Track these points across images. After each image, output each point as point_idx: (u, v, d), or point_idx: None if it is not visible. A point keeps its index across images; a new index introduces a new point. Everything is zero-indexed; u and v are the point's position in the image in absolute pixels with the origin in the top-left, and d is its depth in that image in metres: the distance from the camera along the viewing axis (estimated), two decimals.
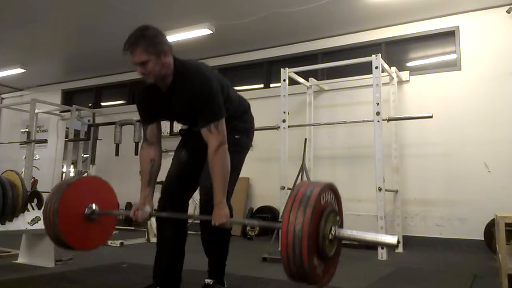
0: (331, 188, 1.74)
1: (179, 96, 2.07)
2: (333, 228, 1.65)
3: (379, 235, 1.72)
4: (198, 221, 2.19)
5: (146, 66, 1.95)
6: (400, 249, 4.39)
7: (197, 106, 2.03)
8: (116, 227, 6.16)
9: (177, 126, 2.24)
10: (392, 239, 1.64)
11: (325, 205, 1.65)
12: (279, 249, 4.41)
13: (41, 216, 3.08)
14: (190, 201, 2.30)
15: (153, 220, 4.89)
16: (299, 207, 1.53)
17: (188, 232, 2.28)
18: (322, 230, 1.60)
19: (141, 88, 2.19)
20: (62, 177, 7.97)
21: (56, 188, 2.31)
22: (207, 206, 2.08)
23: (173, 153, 2.37)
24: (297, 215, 1.52)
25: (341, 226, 1.75)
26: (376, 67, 4.10)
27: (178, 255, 2.19)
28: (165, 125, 5.24)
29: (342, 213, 1.83)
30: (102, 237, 2.50)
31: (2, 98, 9.20)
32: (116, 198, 2.56)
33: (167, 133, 5.90)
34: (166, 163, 2.31)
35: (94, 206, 2.34)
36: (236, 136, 2.18)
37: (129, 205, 6.68)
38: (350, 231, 1.69)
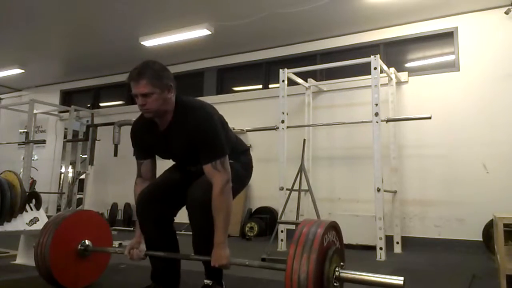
0: (333, 227, 1.74)
1: (179, 134, 2.01)
2: (336, 270, 1.65)
3: (384, 276, 1.71)
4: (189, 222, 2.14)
5: (148, 99, 1.91)
6: (398, 250, 4.39)
7: (200, 142, 1.96)
8: (115, 227, 6.22)
9: None
10: (398, 281, 1.63)
11: (328, 246, 1.65)
12: (278, 249, 4.38)
13: (40, 217, 3.09)
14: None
15: None
16: (302, 253, 1.52)
17: (185, 232, 2.27)
18: (326, 274, 1.59)
19: (138, 125, 2.16)
20: (60, 178, 7.96)
21: (49, 223, 2.28)
22: (195, 211, 2.00)
23: None
24: (301, 263, 1.51)
25: (344, 266, 1.74)
26: (375, 68, 4.11)
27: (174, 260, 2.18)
28: None
29: (343, 252, 1.83)
30: (94, 274, 2.48)
31: (1, 99, 9.18)
32: (110, 232, 2.54)
33: None
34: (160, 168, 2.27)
35: (87, 242, 2.32)
36: (230, 161, 2.07)
37: (127, 206, 6.69)
38: (354, 273, 1.68)
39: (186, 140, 2.00)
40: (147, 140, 2.12)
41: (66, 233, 2.26)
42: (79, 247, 2.30)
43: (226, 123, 2.19)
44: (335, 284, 1.62)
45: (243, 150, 2.31)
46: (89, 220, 2.45)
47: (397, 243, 4.44)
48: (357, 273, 1.67)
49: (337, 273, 1.63)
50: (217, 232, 1.92)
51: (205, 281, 2.10)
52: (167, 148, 2.09)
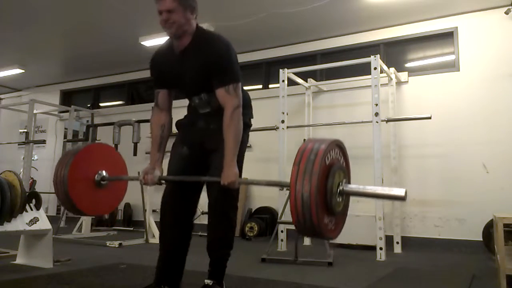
0: (338, 145, 1.80)
1: (195, 56, 2.09)
2: (340, 185, 1.70)
3: (386, 188, 1.79)
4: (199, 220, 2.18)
5: (171, 15, 2.00)
6: (398, 250, 4.40)
7: (215, 67, 2.05)
8: (115, 227, 6.22)
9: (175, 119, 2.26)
10: (399, 192, 1.69)
11: (331, 164, 1.69)
12: (278, 249, 4.39)
13: (40, 217, 3.09)
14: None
15: (152, 221, 4.89)
16: (304, 175, 1.59)
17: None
18: (329, 190, 1.65)
19: (157, 54, 2.28)
20: None
21: (65, 155, 2.33)
22: (215, 210, 2.10)
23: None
24: (303, 183, 1.58)
25: (348, 181, 1.81)
26: (375, 68, 4.10)
27: (180, 259, 2.19)
28: None
29: (349, 168, 1.87)
30: (113, 202, 2.54)
31: (1, 99, 9.18)
32: (125, 163, 2.57)
33: None
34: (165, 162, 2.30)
35: (104, 172, 2.36)
36: None
37: (127, 206, 6.68)
38: (356, 186, 1.76)
39: (200, 63, 2.07)
40: (162, 66, 2.22)
41: (83, 163, 2.30)
42: (95, 177, 2.34)
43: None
44: (338, 198, 1.69)
45: (248, 102, 2.40)
46: (104, 152, 2.51)
47: (397, 243, 4.44)
48: (361, 186, 1.75)
49: (340, 188, 1.70)
50: (227, 152, 2.01)
51: (206, 280, 2.11)
52: (179, 72, 2.16)
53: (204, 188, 2.22)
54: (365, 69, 4.51)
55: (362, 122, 4.57)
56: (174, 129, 2.37)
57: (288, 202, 3.99)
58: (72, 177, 2.21)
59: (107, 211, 2.52)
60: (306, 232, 1.65)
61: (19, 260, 3.21)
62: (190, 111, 2.33)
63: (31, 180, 6.57)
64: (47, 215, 3.24)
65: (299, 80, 5.15)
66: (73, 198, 2.21)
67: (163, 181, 2.20)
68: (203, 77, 2.09)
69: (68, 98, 8.38)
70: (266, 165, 5.58)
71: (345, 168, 1.79)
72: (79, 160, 2.27)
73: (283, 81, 4.66)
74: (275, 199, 4.67)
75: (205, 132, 2.20)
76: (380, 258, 3.82)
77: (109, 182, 2.38)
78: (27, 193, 3.07)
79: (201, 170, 2.19)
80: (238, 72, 2.11)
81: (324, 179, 1.62)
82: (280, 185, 2.12)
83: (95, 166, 2.36)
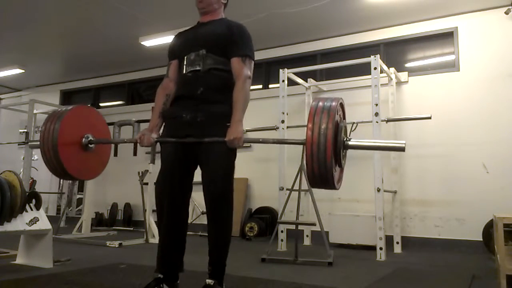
0: (341, 104, 2.01)
1: (217, 25, 2.29)
2: (346, 140, 1.92)
3: (387, 141, 1.92)
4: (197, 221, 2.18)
5: None
6: (398, 250, 4.40)
7: (235, 38, 2.22)
8: (115, 227, 6.22)
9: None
10: (399, 144, 1.80)
11: (339, 118, 1.91)
12: (278, 249, 4.38)
13: (40, 217, 3.09)
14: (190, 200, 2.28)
15: (152, 221, 4.89)
16: (322, 111, 1.78)
17: (188, 232, 2.27)
18: (339, 137, 1.85)
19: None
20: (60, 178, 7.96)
21: (51, 116, 2.30)
22: (214, 213, 2.10)
23: None
24: (322, 117, 1.75)
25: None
26: (375, 68, 4.10)
27: (178, 246, 2.20)
28: None
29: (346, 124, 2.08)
30: (98, 167, 2.54)
31: (1, 99, 9.18)
32: (108, 127, 2.59)
33: None
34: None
35: (90, 136, 2.37)
36: (227, 124, 2.15)
37: (127, 206, 6.68)
38: (360, 140, 1.97)
39: (221, 29, 2.26)
40: (181, 35, 2.41)
41: (70, 126, 2.28)
42: (83, 140, 2.35)
43: None
44: (343, 151, 1.90)
45: None
46: (88, 115, 2.50)
47: (397, 243, 4.44)
48: (364, 140, 2.00)
49: (346, 142, 1.91)
50: (236, 111, 2.12)
51: (207, 280, 2.11)
52: (195, 33, 2.34)
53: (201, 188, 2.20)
54: (365, 69, 4.51)
55: (362, 122, 4.57)
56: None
57: (288, 202, 4.01)
58: (62, 134, 2.19)
59: (92, 176, 2.50)
60: (316, 165, 1.73)
61: (19, 260, 3.21)
62: (178, 91, 2.30)
63: (31, 180, 6.57)
64: (47, 215, 3.24)
65: (299, 80, 5.15)
66: (61, 156, 2.18)
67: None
68: (217, 39, 2.23)
69: (68, 98, 8.38)
70: (266, 165, 5.58)
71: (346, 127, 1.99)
72: (67, 123, 2.24)
73: (283, 81, 4.66)
74: (275, 199, 4.67)
75: (190, 127, 2.16)
76: (380, 258, 3.82)
77: (95, 146, 2.38)
78: (27, 193, 3.07)
79: (188, 165, 2.20)
80: (254, 53, 2.27)
81: (336, 125, 1.79)
82: (293, 143, 2.17)
83: (81, 129, 2.36)
